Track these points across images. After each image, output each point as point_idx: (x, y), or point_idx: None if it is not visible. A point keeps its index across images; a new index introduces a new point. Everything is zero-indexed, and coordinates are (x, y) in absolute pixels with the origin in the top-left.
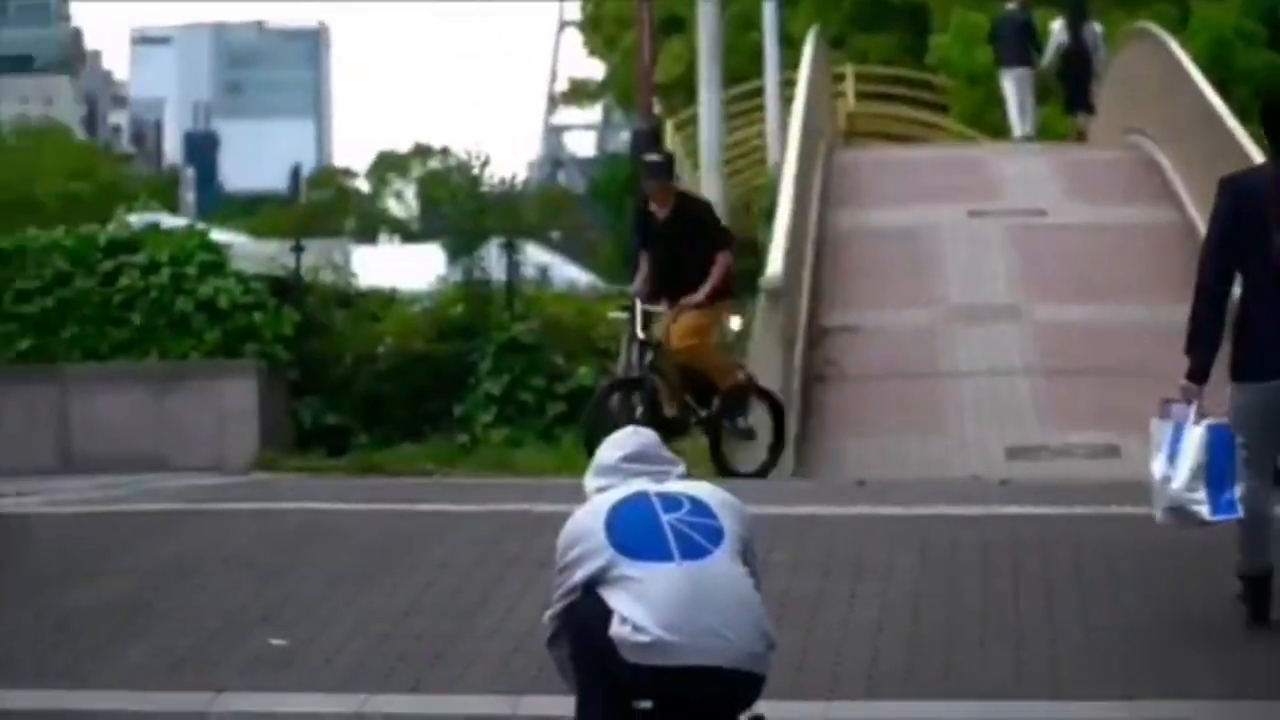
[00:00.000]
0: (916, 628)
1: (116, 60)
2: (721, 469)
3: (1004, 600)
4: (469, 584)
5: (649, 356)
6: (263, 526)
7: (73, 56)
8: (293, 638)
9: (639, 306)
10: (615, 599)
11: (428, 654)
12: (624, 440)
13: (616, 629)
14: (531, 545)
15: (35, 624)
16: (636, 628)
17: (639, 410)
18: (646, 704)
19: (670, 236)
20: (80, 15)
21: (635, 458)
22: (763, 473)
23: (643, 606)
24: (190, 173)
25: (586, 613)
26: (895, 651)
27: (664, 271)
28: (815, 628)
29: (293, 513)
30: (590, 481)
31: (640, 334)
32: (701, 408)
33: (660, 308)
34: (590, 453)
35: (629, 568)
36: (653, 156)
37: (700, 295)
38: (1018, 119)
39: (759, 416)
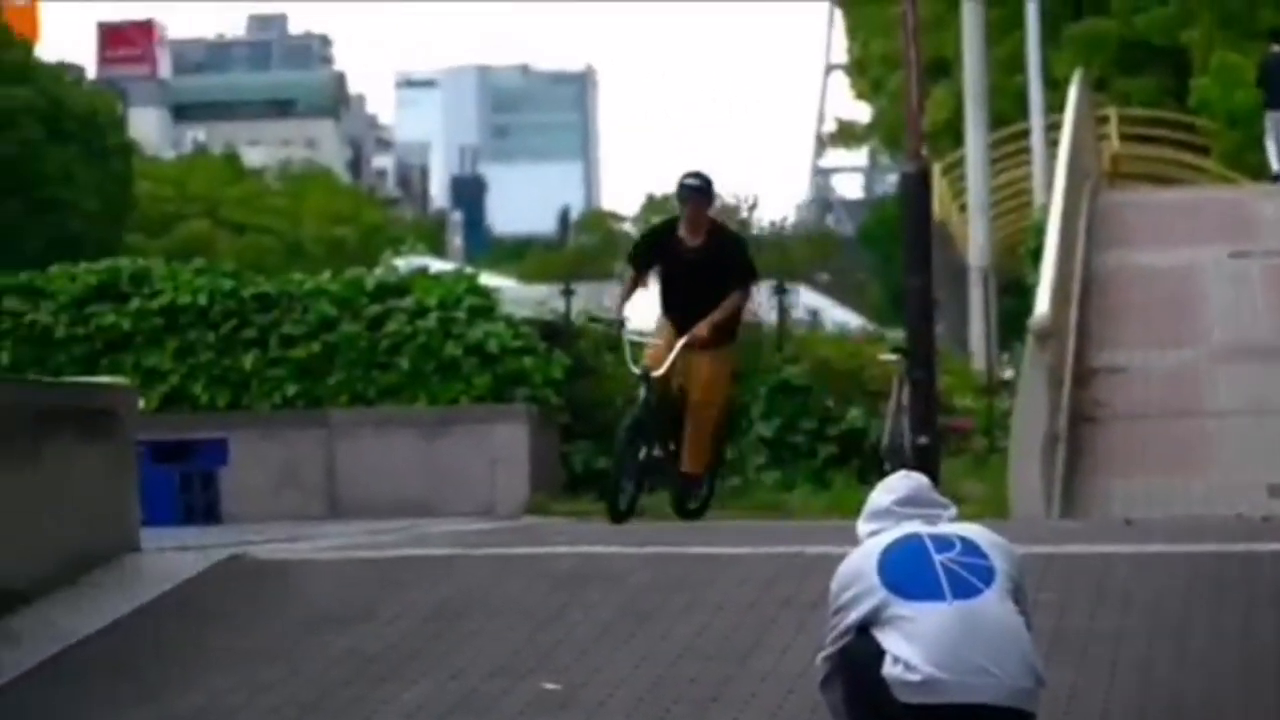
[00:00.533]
0: (1183, 664)
1: (381, 104)
2: (680, 509)
3: (1270, 637)
4: (742, 626)
5: (650, 393)
6: (534, 571)
7: (337, 100)
8: (566, 682)
9: (627, 339)
10: (888, 639)
11: (701, 697)
12: (896, 484)
13: (889, 669)
14: (804, 587)
15: (310, 669)
16: (908, 667)
17: (643, 451)
18: None
19: (698, 266)
20: (344, 59)
21: (907, 501)
22: (702, 509)
23: (914, 646)
24: (457, 216)
25: (860, 654)
26: (1163, 688)
27: (682, 301)
28: (1084, 665)
29: (564, 557)
30: (863, 526)
31: (635, 369)
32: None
33: (653, 341)
34: (611, 498)
35: (901, 607)
36: (691, 180)
37: (701, 330)
38: (1276, 160)
39: None
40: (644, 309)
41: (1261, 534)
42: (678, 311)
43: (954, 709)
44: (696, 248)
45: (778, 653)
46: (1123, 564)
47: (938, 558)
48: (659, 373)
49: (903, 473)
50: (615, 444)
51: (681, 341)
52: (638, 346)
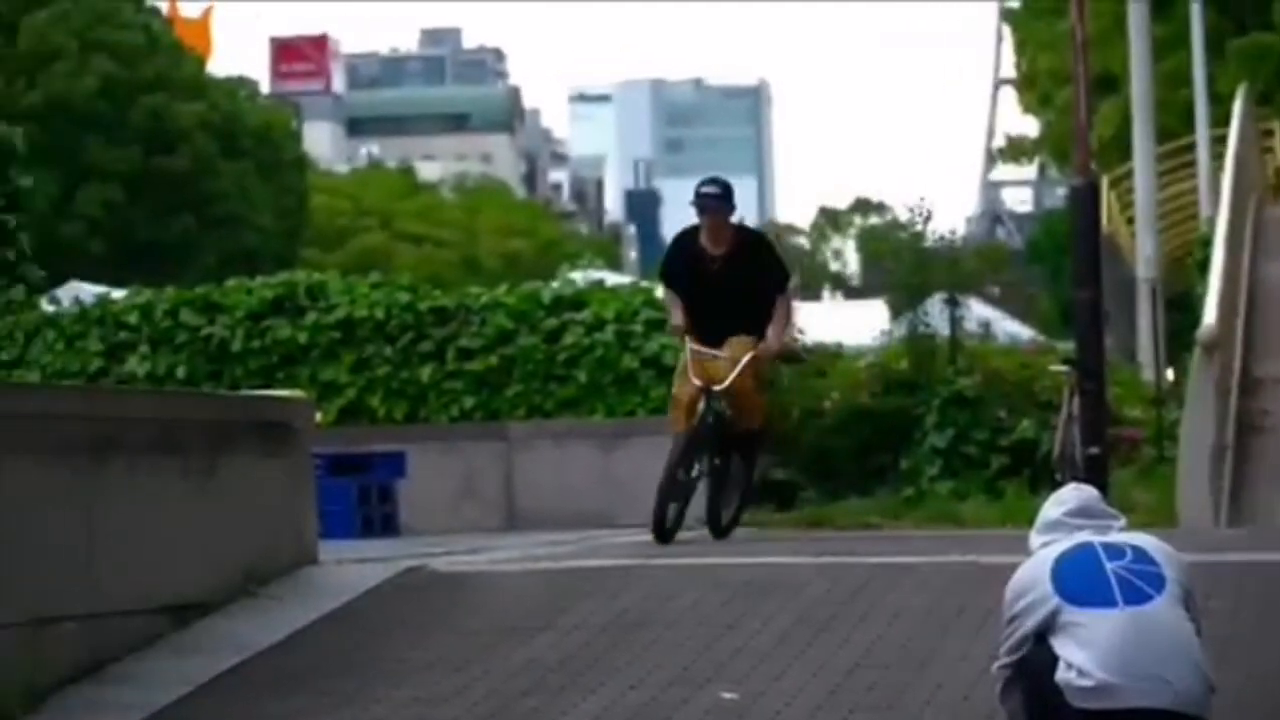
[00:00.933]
0: None
1: (555, 118)
2: (713, 524)
3: None
4: (918, 635)
5: (715, 405)
6: (712, 581)
7: (511, 114)
8: (744, 691)
9: (689, 348)
10: (1062, 646)
11: (879, 705)
12: (1067, 497)
13: (1062, 674)
14: (979, 596)
15: (489, 680)
16: (1082, 673)
17: (695, 467)
18: None
19: (728, 276)
20: (518, 73)
21: (1079, 513)
22: (733, 524)
23: (1087, 652)
24: (631, 230)
25: (1035, 661)
26: None
27: (717, 316)
28: (1253, 670)
29: (741, 567)
30: (1035, 538)
31: (697, 380)
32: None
33: (720, 352)
34: (660, 511)
35: (1075, 614)
36: (708, 187)
37: (775, 344)
38: None
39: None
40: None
41: None
42: (715, 329)
43: (1127, 714)
44: (721, 256)
45: (954, 661)
46: None
47: (1109, 565)
48: (722, 387)
49: (1073, 485)
50: (668, 460)
51: (749, 355)
52: (702, 357)
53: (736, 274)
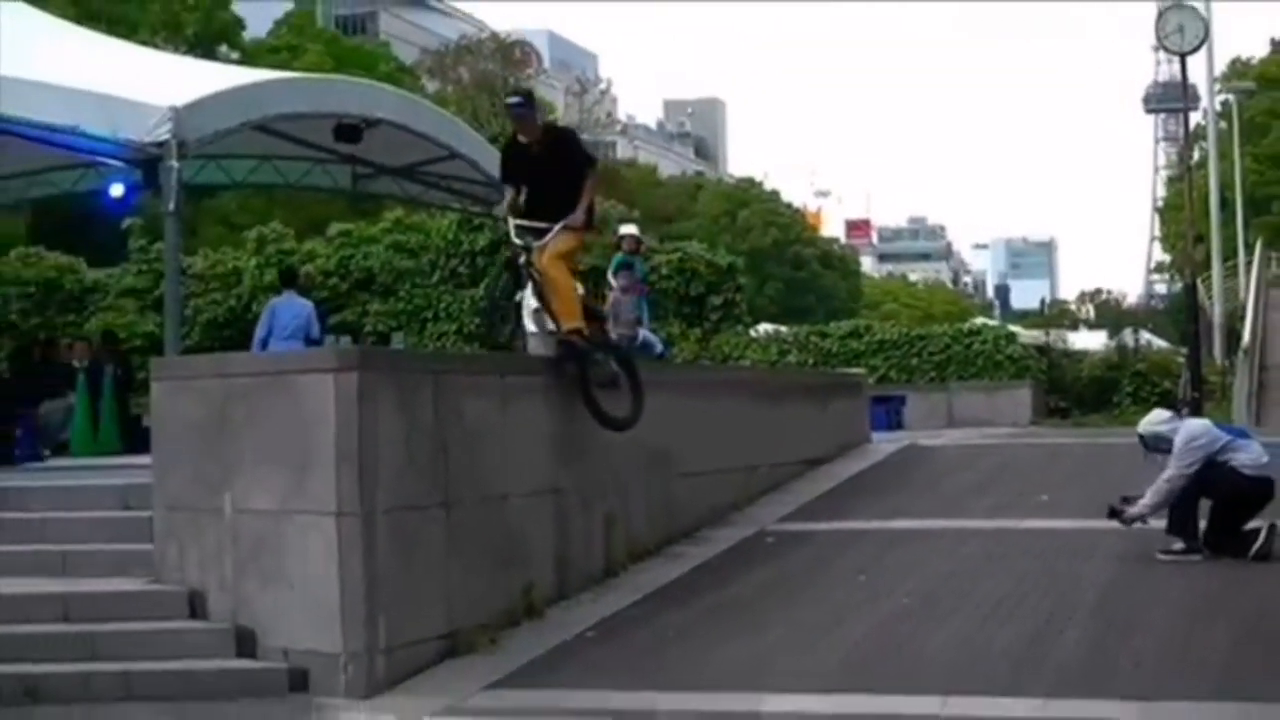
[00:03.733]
0: None
1: None
2: (594, 411)
3: None
4: (1138, 464)
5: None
6: (1035, 446)
7: None
8: (1051, 498)
9: (512, 222)
10: (1228, 456)
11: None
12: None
13: (1233, 462)
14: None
15: (942, 487)
16: (1245, 464)
17: (510, 323)
18: None
19: (545, 159)
20: None
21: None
22: (630, 422)
23: (1246, 454)
24: None
25: (1214, 464)
26: None
27: (541, 195)
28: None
29: (1048, 444)
30: (1168, 423)
31: (517, 241)
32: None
33: (539, 225)
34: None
35: (1235, 442)
36: (512, 98)
37: (580, 215)
38: None
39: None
40: None
41: None
42: (537, 205)
43: (1268, 481)
44: (536, 143)
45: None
46: None
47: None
48: (538, 245)
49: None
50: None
51: (560, 224)
52: (521, 230)
53: (552, 156)
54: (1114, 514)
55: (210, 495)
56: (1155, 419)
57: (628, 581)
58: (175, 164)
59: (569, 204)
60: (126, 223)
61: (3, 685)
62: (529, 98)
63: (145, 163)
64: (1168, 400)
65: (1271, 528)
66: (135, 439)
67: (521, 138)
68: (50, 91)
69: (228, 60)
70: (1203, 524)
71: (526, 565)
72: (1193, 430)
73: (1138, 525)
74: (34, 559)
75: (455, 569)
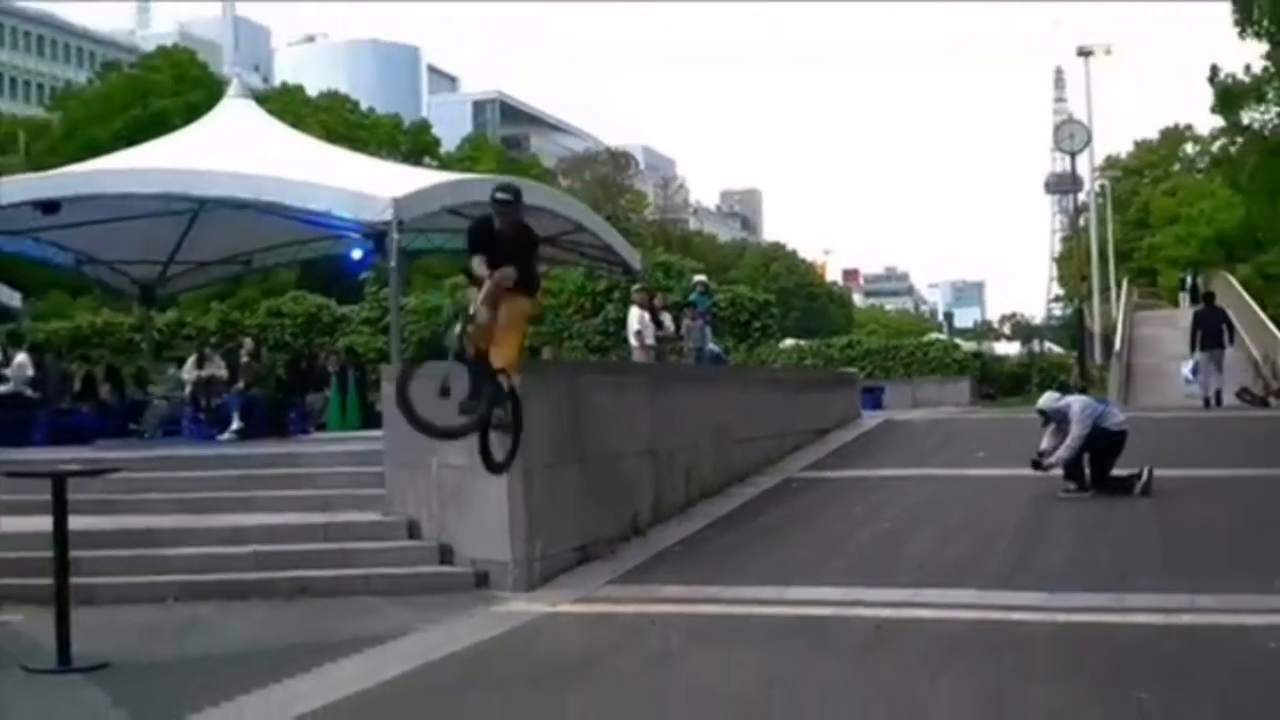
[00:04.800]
0: None
1: None
2: (483, 449)
3: None
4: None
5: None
6: (1000, 419)
7: None
8: (988, 451)
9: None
10: (1104, 421)
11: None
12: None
13: (1108, 426)
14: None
15: (918, 442)
16: (1117, 422)
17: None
18: None
19: (505, 243)
20: None
21: (1071, 394)
22: (506, 466)
23: (1118, 419)
24: None
25: (1097, 429)
26: None
27: (495, 263)
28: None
29: (997, 419)
30: (1057, 401)
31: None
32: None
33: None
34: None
35: (1107, 410)
36: (501, 194)
37: (512, 270)
38: None
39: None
40: None
41: None
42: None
43: (1123, 433)
44: (509, 236)
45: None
46: None
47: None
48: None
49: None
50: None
51: (493, 279)
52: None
53: (514, 242)
54: (1035, 465)
55: (423, 455)
56: (1049, 398)
57: (700, 512)
58: (396, 235)
59: (524, 275)
60: (363, 275)
61: (285, 585)
62: (518, 196)
63: (376, 235)
64: (1064, 387)
65: (1150, 470)
66: (371, 420)
67: (497, 224)
68: (313, 188)
69: (430, 166)
70: (1088, 472)
71: (633, 501)
72: (1083, 401)
73: (1053, 472)
74: (303, 500)
75: (586, 504)
